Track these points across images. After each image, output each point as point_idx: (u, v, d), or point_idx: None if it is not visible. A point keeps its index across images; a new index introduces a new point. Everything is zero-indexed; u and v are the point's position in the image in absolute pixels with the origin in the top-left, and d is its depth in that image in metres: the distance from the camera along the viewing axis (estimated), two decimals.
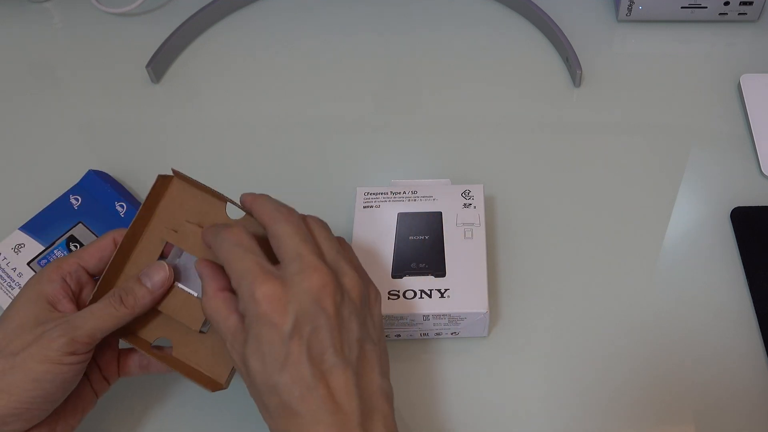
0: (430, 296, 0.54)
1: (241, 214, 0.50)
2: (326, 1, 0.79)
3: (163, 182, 0.50)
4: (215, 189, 0.50)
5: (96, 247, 0.50)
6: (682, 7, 0.73)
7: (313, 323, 0.42)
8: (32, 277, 0.49)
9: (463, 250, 0.56)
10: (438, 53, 0.75)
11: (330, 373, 0.42)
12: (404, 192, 0.59)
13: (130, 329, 0.50)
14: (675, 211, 0.63)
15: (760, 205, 0.62)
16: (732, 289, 0.58)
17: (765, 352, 0.55)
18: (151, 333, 0.50)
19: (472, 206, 0.58)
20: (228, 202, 0.50)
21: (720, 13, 0.73)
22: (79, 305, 0.49)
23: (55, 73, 0.76)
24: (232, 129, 0.70)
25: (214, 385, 0.48)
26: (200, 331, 0.49)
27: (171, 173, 0.50)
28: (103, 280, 0.49)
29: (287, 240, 0.44)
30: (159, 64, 0.73)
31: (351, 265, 0.46)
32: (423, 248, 0.56)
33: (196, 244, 0.49)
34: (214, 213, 0.50)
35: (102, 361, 0.51)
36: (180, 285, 0.49)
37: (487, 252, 0.56)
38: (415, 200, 0.59)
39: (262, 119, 0.71)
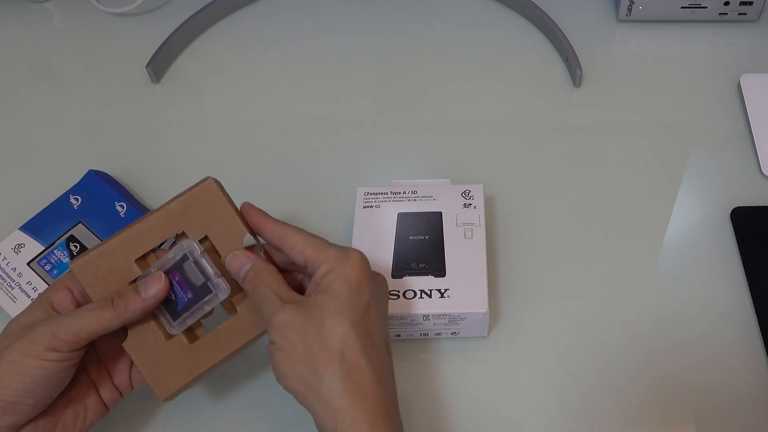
0: (430, 296, 0.54)
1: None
2: (326, 1, 0.79)
3: (205, 185, 0.50)
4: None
5: None
6: (682, 7, 0.73)
7: (384, 305, 0.49)
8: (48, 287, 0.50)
9: (463, 250, 0.56)
10: (438, 53, 0.75)
11: (388, 343, 0.47)
12: (404, 192, 0.59)
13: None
14: (675, 211, 0.63)
15: (760, 205, 0.62)
16: (732, 289, 0.58)
17: (765, 353, 0.55)
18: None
19: (472, 206, 0.58)
20: (248, 233, 0.50)
21: (720, 13, 0.73)
22: None
23: (55, 73, 0.76)
24: (232, 129, 0.70)
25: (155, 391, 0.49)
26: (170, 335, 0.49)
27: (210, 179, 0.50)
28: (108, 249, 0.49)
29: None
30: (159, 64, 0.73)
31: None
32: (423, 248, 0.56)
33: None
34: (232, 236, 0.50)
35: (113, 370, 0.51)
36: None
37: (487, 252, 0.56)
38: (415, 200, 0.59)
39: (262, 119, 0.71)
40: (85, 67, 0.76)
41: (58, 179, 0.65)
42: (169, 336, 0.49)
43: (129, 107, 0.72)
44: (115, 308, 0.47)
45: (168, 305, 0.49)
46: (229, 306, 0.50)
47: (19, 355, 0.45)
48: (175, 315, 0.49)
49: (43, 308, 0.48)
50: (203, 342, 0.49)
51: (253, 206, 0.51)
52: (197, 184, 0.50)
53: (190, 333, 0.50)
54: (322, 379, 0.44)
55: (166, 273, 0.49)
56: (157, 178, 0.67)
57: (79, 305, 0.49)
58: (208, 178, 0.50)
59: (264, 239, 0.50)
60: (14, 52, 0.78)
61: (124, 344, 0.49)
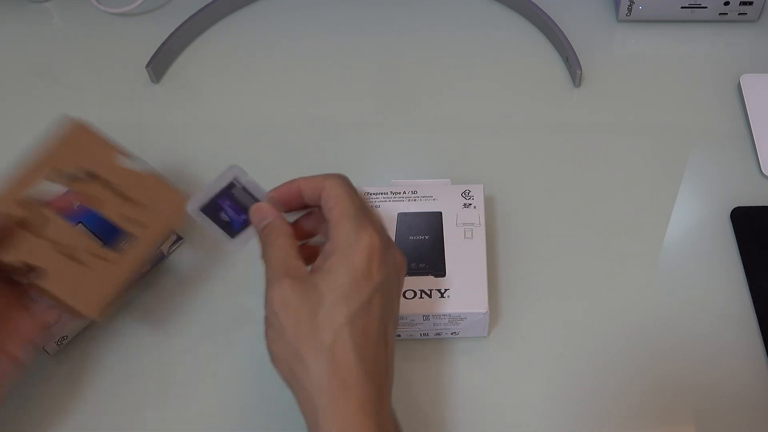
0: (430, 296, 0.54)
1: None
2: (326, 1, 0.79)
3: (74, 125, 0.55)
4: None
5: None
6: (682, 7, 0.73)
7: (392, 298, 0.46)
8: None
9: (463, 250, 0.56)
10: (438, 53, 0.75)
11: (387, 337, 0.45)
12: (404, 192, 0.59)
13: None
14: (675, 211, 0.63)
15: (760, 205, 0.62)
16: (732, 289, 0.58)
17: (765, 353, 0.55)
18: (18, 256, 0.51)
19: (472, 206, 0.58)
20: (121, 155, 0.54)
21: (720, 13, 0.73)
22: None
23: (55, 73, 0.76)
24: (231, 129, 0.70)
25: (85, 318, 0.51)
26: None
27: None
28: None
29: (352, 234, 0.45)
30: (159, 64, 0.73)
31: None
32: (423, 248, 0.56)
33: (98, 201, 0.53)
34: (107, 162, 0.54)
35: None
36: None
37: (487, 252, 0.56)
38: (415, 200, 0.59)
39: (261, 119, 0.71)
40: (85, 67, 0.76)
41: None
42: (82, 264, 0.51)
43: (129, 107, 0.72)
44: None
45: (225, 227, 0.50)
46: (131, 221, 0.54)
47: None
48: (233, 234, 0.50)
49: None
50: (115, 257, 0.52)
51: (277, 189, 0.50)
52: (65, 128, 0.55)
53: (101, 254, 0.52)
54: (308, 371, 0.42)
55: (216, 198, 0.50)
56: None
57: None
58: (74, 121, 0.55)
59: (306, 196, 0.49)
60: (14, 52, 0.78)
61: (39, 282, 0.50)
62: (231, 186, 0.51)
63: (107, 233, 0.53)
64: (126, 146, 0.70)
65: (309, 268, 0.46)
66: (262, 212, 0.48)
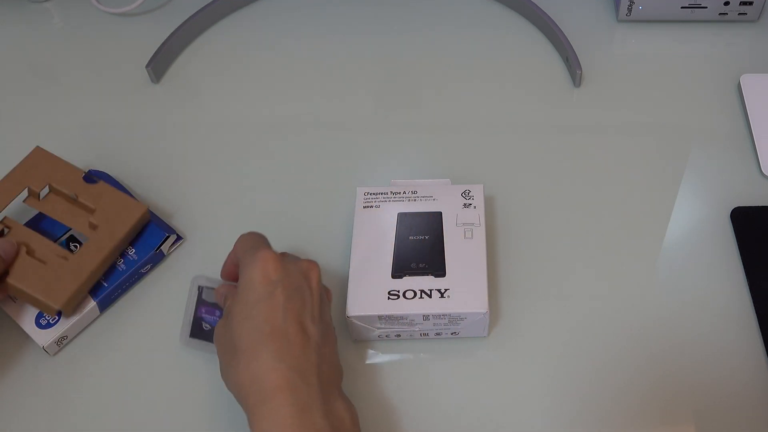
0: (430, 296, 0.54)
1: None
2: (326, 1, 0.79)
3: (35, 152, 0.63)
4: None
5: None
6: (682, 7, 0.73)
7: (299, 290, 0.49)
8: None
9: (463, 250, 0.56)
10: (438, 53, 0.75)
11: (298, 333, 0.47)
12: (404, 192, 0.59)
13: None
14: (675, 211, 0.63)
15: (760, 205, 0.62)
16: (732, 289, 0.58)
17: (765, 353, 0.55)
18: None
19: (472, 206, 0.58)
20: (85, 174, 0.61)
21: (720, 13, 0.73)
22: None
23: (55, 73, 0.76)
24: (232, 129, 0.70)
25: (51, 309, 0.56)
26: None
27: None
28: None
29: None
30: (159, 64, 0.73)
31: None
32: (423, 248, 0.56)
33: (57, 211, 0.60)
34: (71, 180, 0.61)
35: None
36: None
37: (487, 252, 0.56)
38: (415, 200, 0.59)
39: (262, 119, 0.71)
40: (85, 67, 0.76)
41: None
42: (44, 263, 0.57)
43: (129, 107, 0.72)
44: None
45: (210, 334, 0.56)
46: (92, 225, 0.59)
47: None
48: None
49: None
50: (78, 255, 0.57)
51: (223, 269, 0.56)
52: (28, 156, 0.63)
53: (65, 254, 0.58)
54: (239, 377, 0.47)
55: (195, 311, 0.56)
56: (157, 178, 0.67)
57: None
58: (35, 147, 0.63)
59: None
60: (14, 52, 0.78)
61: (8, 279, 0.56)
62: (200, 293, 0.57)
63: (64, 237, 0.60)
64: (126, 146, 0.70)
65: None
66: (219, 295, 0.54)
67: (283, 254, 0.52)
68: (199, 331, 0.56)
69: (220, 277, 0.56)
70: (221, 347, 0.49)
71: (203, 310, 0.56)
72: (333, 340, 0.51)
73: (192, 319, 0.56)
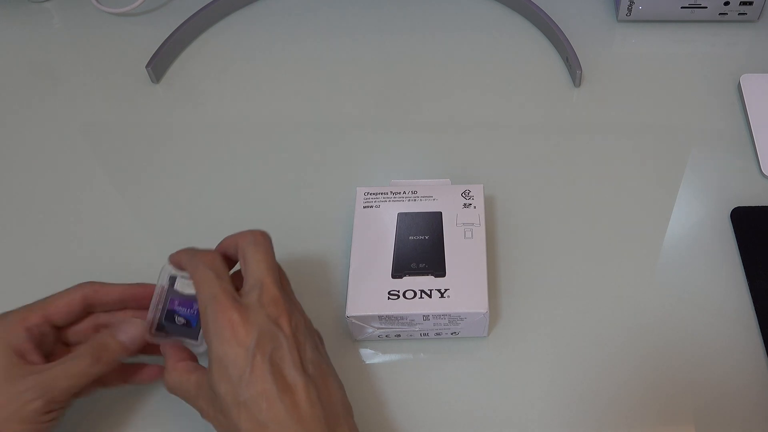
0: (430, 296, 0.54)
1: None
2: (326, 2, 0.79)
3: None
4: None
5: (64, 302, 0.49)
6: (682, 7, 0.73)
7: (273, 342, 0.45)
8: None
9: (463, 250, 0.56)
10: (438, 53, 0.75)
11: (294, 386, 0.44)
12: (404, 192, 0.59)
13: None
14: (675, 211, 0.63)
15: (760, 205, 0.62)
16: (732, 289, 0.58)
17: (765, 352, 0.55)
18: None
19: (472, 206, 0.58)
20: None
21: (720, 13, 0.73)
22: (43, 351, 0.48)
23: (55, 74, 0.76)
24: (232, 129, 0.70)
25: None
26: None
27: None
28: None
29: (254, 266, 0.48)
30: (159, 64, 0.73)
31: (298, 304, 0.50)
32: (423, 248, 0.56)
33: None
34: None
35: None
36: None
37: (487, 252, 0.56)
38: (415, 200, 0.59)
39: (262, 119, 0.71)
40: (85, 67, 0.76)
41: (58, 179, 0.65)
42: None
43: (129, 107, 0.72)
44: (101, 362, 0.47)
45: (186, 331, 0.51)
46: None
47: (14, 423, 0.44)
48: (195, 333, 0.50)
49: (7, 357, 0.46)
50: None
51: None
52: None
53: None
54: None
55: (165, 303, 0.50)
56: (156, 178, 0.67)
57: (40, 347, 0.48)
58: None
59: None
60: (14, 52, 0.78)
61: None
62: (173, 283, 0.51)
63: None
64: (126, 146, 0.70)
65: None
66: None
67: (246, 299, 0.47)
68: (170, 322, 0.51)
69: None
70: (210, 409, 0.46)
71: (176, 302, 0.51)
72: (332, 379, 0.47)
73: (162, 310, 0.51)
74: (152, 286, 0.51)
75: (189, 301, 0.51)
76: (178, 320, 0.51)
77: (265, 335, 0.45)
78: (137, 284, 0.51)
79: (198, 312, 0.49)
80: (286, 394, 0.44)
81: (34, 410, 0.45)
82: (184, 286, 0.51)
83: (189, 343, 0.51)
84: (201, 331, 0.50)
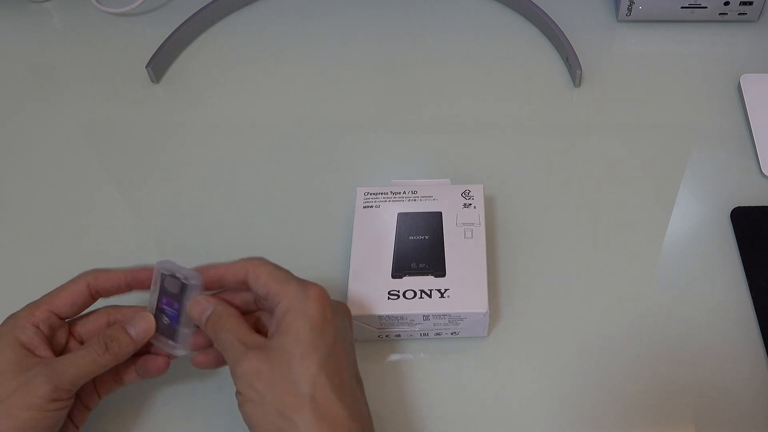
0: (430, 296, 0.54)
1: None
2: (326, 2, 0.79)
3: None
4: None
5: (69, 293, 0.49)
6: (682, 7, 0.73)
7: (346, 331, 0.47)
8: (4, 322, 0.48)
9: (463, 250, 0.56)
10: (437, 53, 0.75)
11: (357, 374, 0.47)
12: (404, 192, 0.59)
13: None
14: (675, 211, 0.63)
15: (760, 205, 0.62)
16: (732, 289, 0.58)
17: (765, 352, 0.55)
18: None
19: (472, 206, 0.58)
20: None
21: (720, 13, 0.73)
22: (54, 348, 0.48)
23: (55, 73, 0.76)
24: (232, 129, 0.70)
25: None
26: None
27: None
28: None
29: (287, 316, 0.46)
30: (159, 64, 0.73)
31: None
32: (423, 248, 0.56)
33: None
34: None
35: (81, 391, 0.50)
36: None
37: (487, 252, 0.56)
38: (415, 200, 0.59)
39: (262, 119, 0.71)
40: (85, 67, 0.76)
41: (57, 179, 0.65)
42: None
43: (129, 107, 0.72)
44: (110, 353, 0.47)
45: (168, 332, 0.50)
46: None
47: (20, 409, 0.44)
48: (173, 333, 0.50)
49: (17, 351, 0.46)
50: None
51: (203, 266, 0.50)
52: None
53: None
54: (296, 425, 0.43)
55: (158, 302, 0.50)
56: (157, 178, 0.67)
57: (49, 341, 0.48)
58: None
59: (228, 282, 0.49)
60: (14, 52, 0.78)
61: None
62: (164, 281, 0.50)
63: None
64: (126, 146, 0.70)
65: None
66: (200, 305, 0.49)
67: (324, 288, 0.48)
68: (159, 321, 0.50)
69: (192, 270, 0.50)
70: (263, 379, 0.44)
71: (164, 301, 0.50)
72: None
73: (156, 311, 0.50)
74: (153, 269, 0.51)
75: (172, 300, 0.50)
76: (164, 320, 0.50)
77: (337, 320, 0.46)
78: (139, 267, 0.51)
79: (177, 311, 0.49)
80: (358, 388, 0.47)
81: (41, 396, 0.45)
82: (173, 285, 0.50)
83: (168, 344, 0.50)
84: (180, 333, 0.50)
